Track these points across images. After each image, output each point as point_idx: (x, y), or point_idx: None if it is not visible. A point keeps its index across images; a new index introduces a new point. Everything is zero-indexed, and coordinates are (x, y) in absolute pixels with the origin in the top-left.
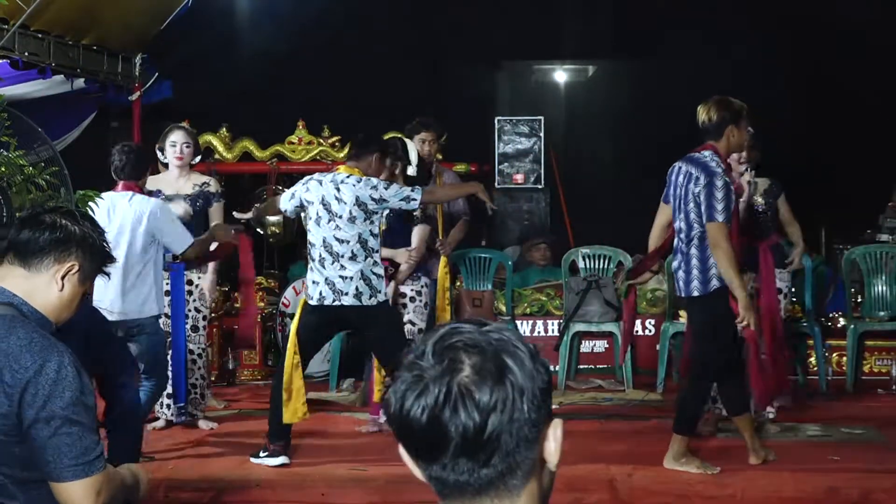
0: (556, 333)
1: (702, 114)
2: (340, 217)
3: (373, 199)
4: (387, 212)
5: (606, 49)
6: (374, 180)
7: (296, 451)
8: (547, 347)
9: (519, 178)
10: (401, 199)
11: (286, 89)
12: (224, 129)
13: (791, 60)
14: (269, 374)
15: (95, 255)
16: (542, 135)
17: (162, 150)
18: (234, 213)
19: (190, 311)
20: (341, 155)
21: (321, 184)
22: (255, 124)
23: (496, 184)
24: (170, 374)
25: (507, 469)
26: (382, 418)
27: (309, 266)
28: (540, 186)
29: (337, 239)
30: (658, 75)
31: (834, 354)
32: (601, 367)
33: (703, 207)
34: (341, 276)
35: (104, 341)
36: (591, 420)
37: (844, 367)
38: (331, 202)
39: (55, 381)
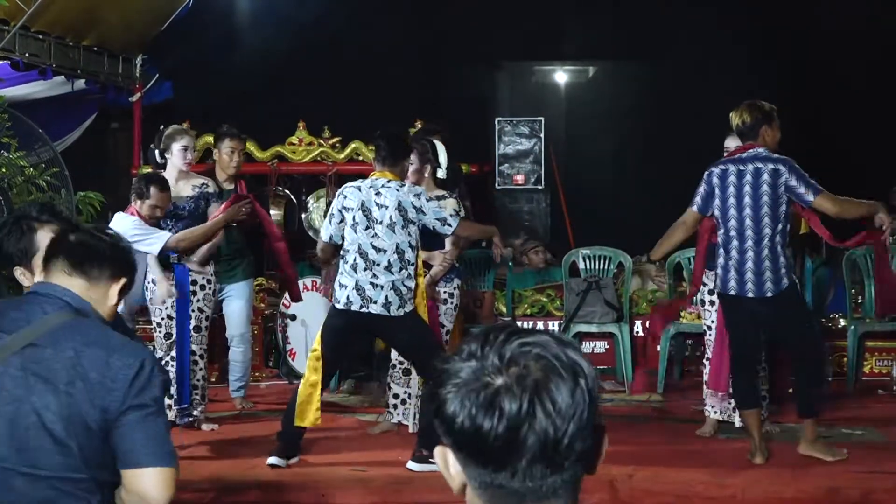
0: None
1: (736, 118)
2: (380, 223)
3: (413, 207)
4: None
5: (607, 50)
6: (418, 188)
7: None
8: None
9: (519, 178)
10: (437, 219)
11: (286, 90)
12: (224, 129)
13: (790, 61)
14: (271, 376)
15: (133, 273)
16: (542, 136)
17: (164, 151)
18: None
19: (193, 311)
20: (342, 156)
21: (360, 189)
22: (256, 125)
23: (496, 184)
24: (173, 375)
25: (570, 476)
26: (396, 418)
27: (339, 270)
28: (540, 187)
29: (374, 247)
30: (658, 76)
31: (834, 355)
32: (602, 367)
33: (803, 189)
34: (372, 284)
35: None
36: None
37: (845, 368)
38: (371, 208)
39: (150, 374)
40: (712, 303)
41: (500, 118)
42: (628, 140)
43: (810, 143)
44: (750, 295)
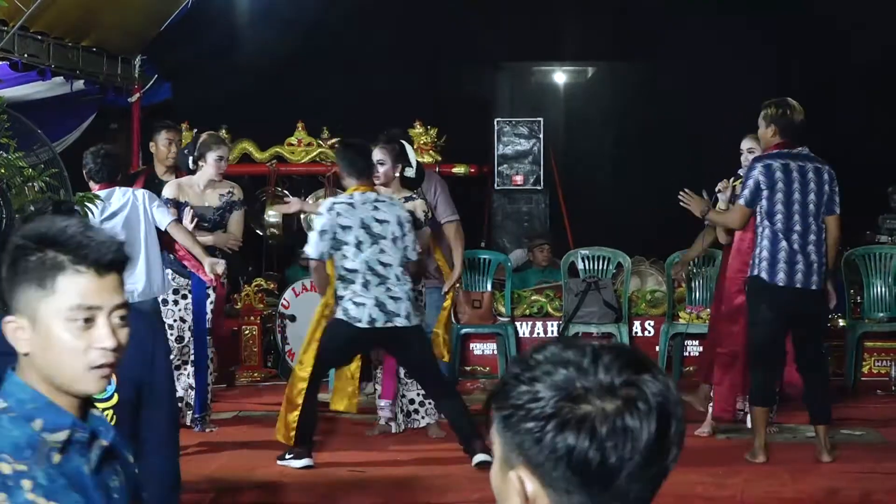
0: (556, 335)
1: (799, 114)
2: (384, 238)
3: (407, 221)
4: None
5: (606, 50)
6: (402, 203)
7: None
8: None
9: (518, 179)
10: (413, 242)
11: (285, 91)
12: (223, 130)
13: (788, 62)
14: (269, 377)
15: None
16: (541, 136)
17: (199, 159)
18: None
19: (175, 321)
20: None
21: (353, 206)
22: (255, 126)
23: (495, 185)
24: (189, 381)
25: None
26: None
27: (345, 289)
28: (539, 188)
29: (381, 262)
30: (657, 76)
31: (833, 355)
32: None
33: (837, 200)
34: (392, 298)
35: None
36: None
37: (844, 369)
38: (370, 224)
39: None
40: None
41: (499, 119)
42: (627, 140)
43: (809, 142)
44: (813, 287)
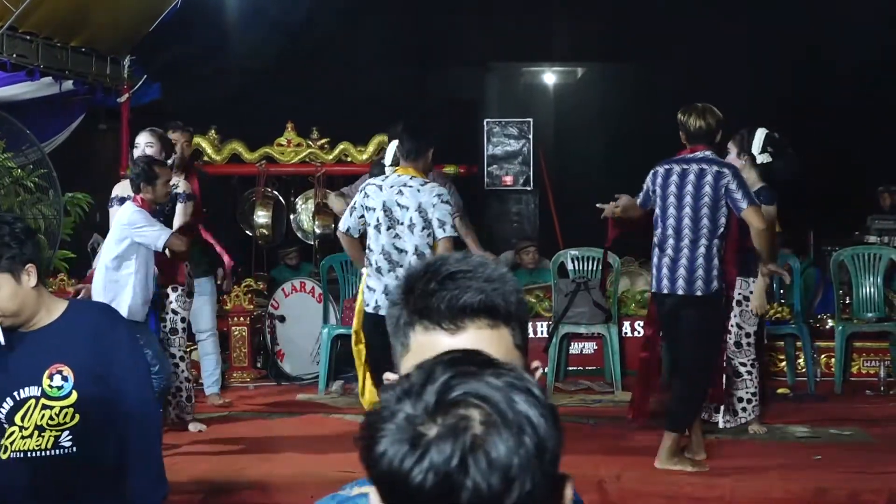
0: (546, 335)
1: (697, 121)
2: (401, 224)
3: (431, 206)
4: None
5: (595, 51)
6: (439, 188)
7: (285, 454)
8: (536, 349)
9: (508, 179)
10: (439, 218)
11: (275, 91)
12: (213, 131)
13: (777, 63)
14: (259, 377)
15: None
16: (531, 137)
17: (133, 152)
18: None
19: (167, 313)
20: (330, 157)
21: (381, 189)
22: (244, 126)
23: (485, 186)
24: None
25: None
26: None
27: (365, 272)
28: (529, 188)
29: (396, 248)
30: (646, 77)
31: (822, 356)
32: (590, 368)
33: (739, 195)
34: None
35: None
36: (580, 422)
37: (833, 369)
38: (392, 208)
39: None
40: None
41: (488, 119)
42: (617, 141)
43: (799, 143)
44: (680, 292)
